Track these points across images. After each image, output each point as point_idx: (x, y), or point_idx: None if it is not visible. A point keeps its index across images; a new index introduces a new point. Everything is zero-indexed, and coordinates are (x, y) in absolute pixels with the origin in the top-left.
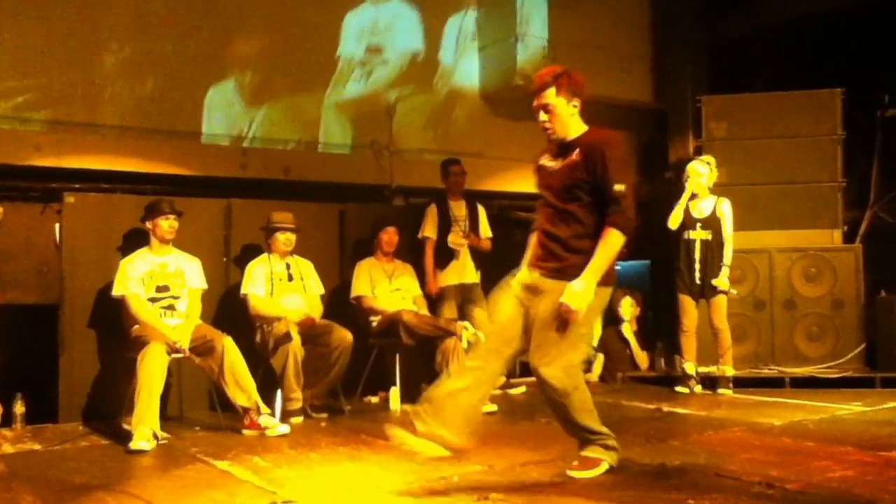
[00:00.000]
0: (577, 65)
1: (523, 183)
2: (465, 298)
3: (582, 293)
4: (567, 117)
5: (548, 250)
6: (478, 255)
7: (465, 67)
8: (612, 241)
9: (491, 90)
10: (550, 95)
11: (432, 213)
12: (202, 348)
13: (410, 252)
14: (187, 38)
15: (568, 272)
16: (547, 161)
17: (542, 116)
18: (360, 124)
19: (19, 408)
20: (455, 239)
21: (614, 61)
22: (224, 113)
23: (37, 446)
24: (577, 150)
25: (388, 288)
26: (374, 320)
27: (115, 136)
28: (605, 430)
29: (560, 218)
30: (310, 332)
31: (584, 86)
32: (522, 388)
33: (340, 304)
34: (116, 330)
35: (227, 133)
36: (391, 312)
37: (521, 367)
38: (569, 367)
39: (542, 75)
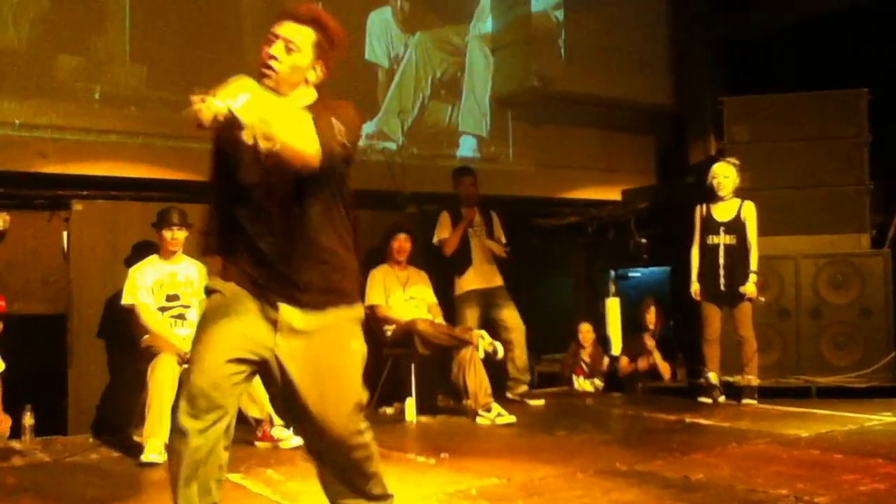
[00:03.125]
0: (595, 66)
1: (540, 188)
2: (488, 303)
3: None
4: (302, 73)
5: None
6: (506, 264)
7: (479, 69)
8: None
9: (505, 93)
10: (303, 34)
11: (445, 218)
12: None
13: (424, 260)
14: (195, 42)
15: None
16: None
17: (275, 48)
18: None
19: (28, 420)
20: (490, 243)
21: (632, 63)
22: None
23: (46, 459)
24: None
25: (402, 296)
26: (389, 330)
27: (122, 142)
28: None
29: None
30: None
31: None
32: (541, 402)
33: None
34: (126, 340)
35: None
36: (406, 321)
37: (539, 378)
38: None
39: (310, 8)
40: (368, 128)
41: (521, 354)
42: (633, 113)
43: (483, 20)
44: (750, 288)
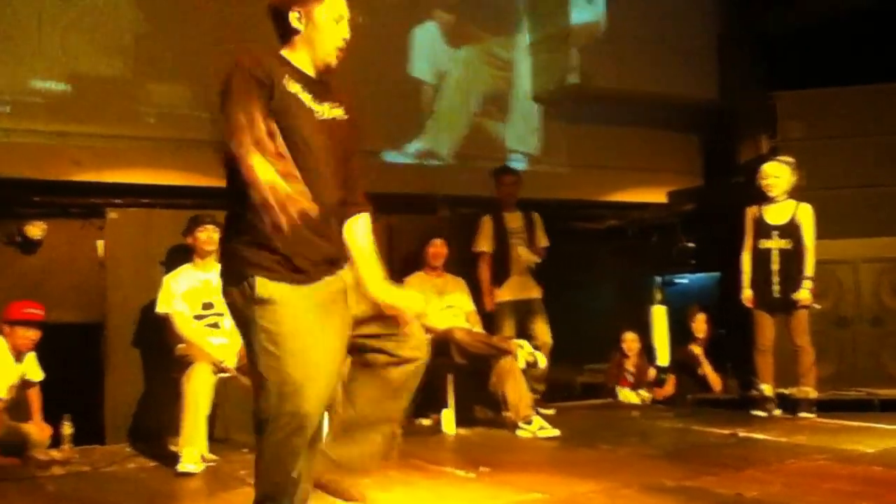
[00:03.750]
0: (637, 61)
1: (578, 190)
2: (525, 314)
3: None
4: None
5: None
6: (545, 270)
7: (516, 66)
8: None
9: (543, 91)
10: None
11: (486, 225)
12: (249, 367)
13: (460, 265)
14: (226, 45)
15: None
16: (311, 101)
17: (347, 31)
18: (402, 130)
19: (67, 429)
20: (526, 254)
21: (676, 56)
22: None
23: (86, 468)
24: (343, 102)
25: (438, 304)
26: None
27: (156, 149)
28: None
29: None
30: None
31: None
32: (552, 411)
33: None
34: (161, 349)
35: None
36: (442, 330)
37: (581, 389)
38: None
39: None
40: (415, 146)
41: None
42: (677, 109)
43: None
44: (805, 295)
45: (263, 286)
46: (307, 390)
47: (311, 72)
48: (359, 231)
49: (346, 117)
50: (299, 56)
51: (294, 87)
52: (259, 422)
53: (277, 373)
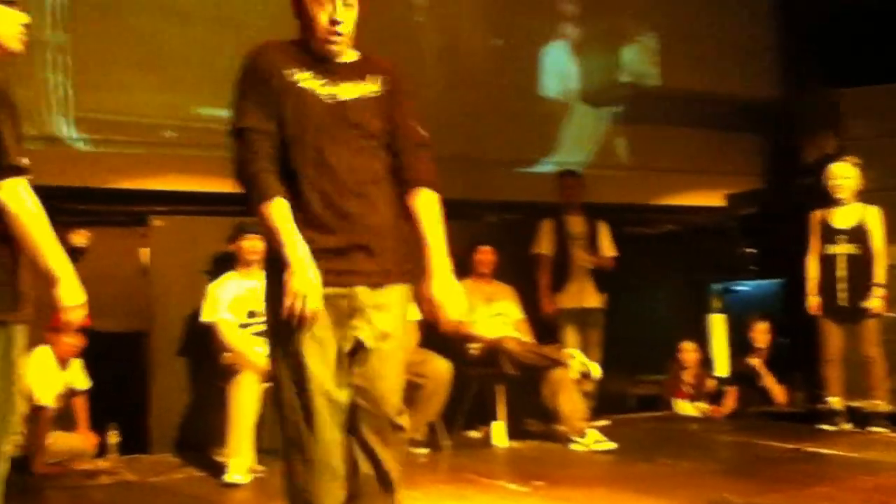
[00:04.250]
0: (692, 58)
1: (632, 194)
2: (584, 324)
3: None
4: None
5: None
6: (600, 278)
7: (567, 66)
8: (439, 206)
9: (591, 91)
10: None
11: (547, 228)
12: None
13: (509, 273)
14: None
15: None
16: (320, 85)
17: (346, 13)
18: (445, 133)
19: (113, 438)
20: (582, 255)
21: (735, 53)
22: None
23: (132, 478)
24: (377, 77)
25: (487, 312)
26: (473, 348)
27: (200, 156)
28: None
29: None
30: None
31: None
32: (606, 422)
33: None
34: (206, 357)
35: None
36: (491, 339)
37: (636, 401)
38: None
39: None
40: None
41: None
42: (736, 108)
43: None
44: (875, 303)
45: None
46: None
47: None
48: (416, 210)
49: (379, 92)
50: (303, 41)
51: (301, 76)
52: None
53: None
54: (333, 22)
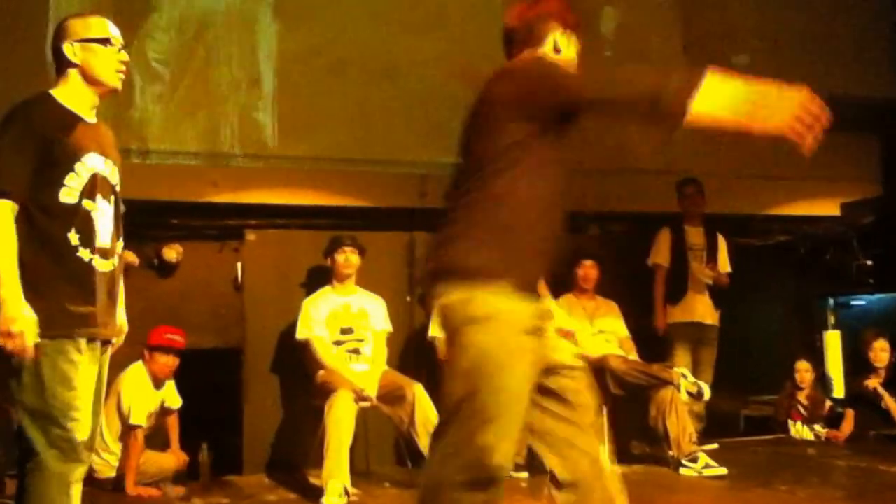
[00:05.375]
0: (800, 54)
1: (741, 203)
2: (697, 341)
3: None
4: None
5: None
6: (715, 293)
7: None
8: None
9: None
10: None
11: (665, 237)
12: (391, 396)
13: (613, 288)
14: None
15: None
16: None
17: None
18: None
19: (205, 457)
20: (700, 268)
21: (847, 49)
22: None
23: (224, 500)
24: None
25: (590, 330)
26: None
27: (291, 169)
28: None
29: None
30: None
31: None
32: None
33: None
34: (299, 375)
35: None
36: (595, 357)
37: (745, 423)
38: None
39: None
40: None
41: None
42: (851, 110)
43: None
44: None
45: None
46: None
47: None
48: None
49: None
50: None
51: None
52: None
53: None
54: None
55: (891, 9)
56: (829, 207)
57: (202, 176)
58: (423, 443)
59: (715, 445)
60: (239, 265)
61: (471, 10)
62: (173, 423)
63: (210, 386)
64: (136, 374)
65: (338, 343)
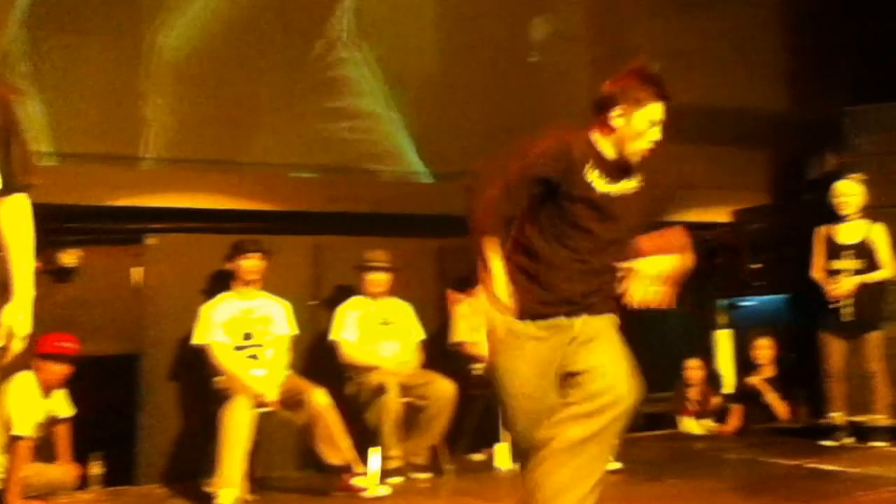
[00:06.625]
0: (699, 72)
1: None
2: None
3: None
4: None
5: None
6: None
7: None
8: None
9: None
10: None
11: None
12: (291, 401)
13: None
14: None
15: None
16: (605, 185)
17: (659, 134)
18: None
19: (96, 469)
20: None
21: (740, 68)
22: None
23: None
24: (647, 173)
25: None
26: (476, 368)
27: (196, 171)
28: None
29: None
30: (408, 383)
31: None
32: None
33: (441, 350)
34: (199, 382)
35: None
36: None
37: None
38: None
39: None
40: None
41: None
42: (744, 123)
43: None
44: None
45: None
46: None
47: (612, 156)
48: None
49: (638, 189)
50: (606, 143)
51: (592, 175)
52: None
53: None
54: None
55: (782, 32)
56: (721, 214)
57: (100, 178)
58: (324, 448)
59: None
60: (139, 270)
61: None
62: (63, 434)
63: (107, 394)
64: (22, 383)
65: (240, 348)
